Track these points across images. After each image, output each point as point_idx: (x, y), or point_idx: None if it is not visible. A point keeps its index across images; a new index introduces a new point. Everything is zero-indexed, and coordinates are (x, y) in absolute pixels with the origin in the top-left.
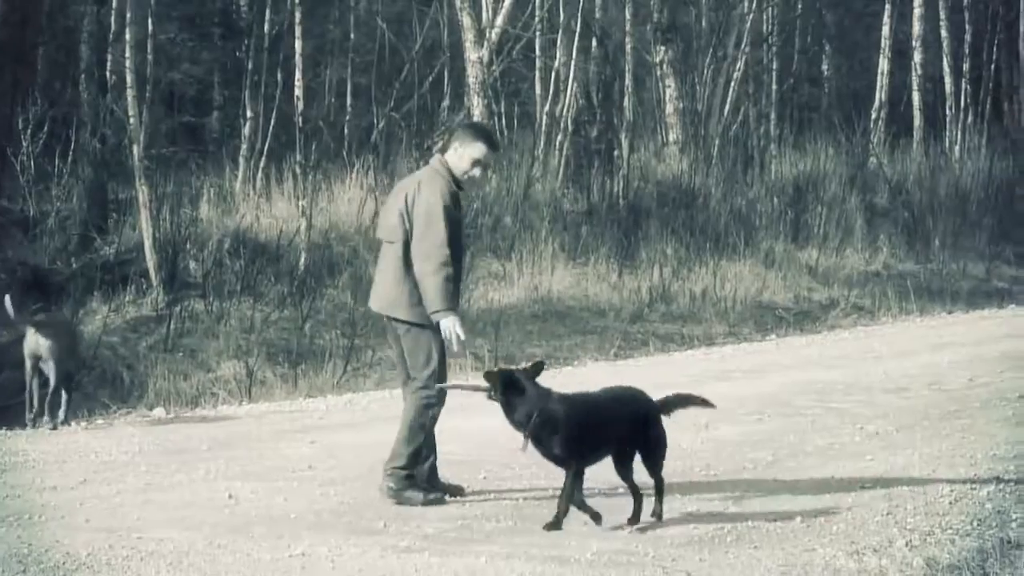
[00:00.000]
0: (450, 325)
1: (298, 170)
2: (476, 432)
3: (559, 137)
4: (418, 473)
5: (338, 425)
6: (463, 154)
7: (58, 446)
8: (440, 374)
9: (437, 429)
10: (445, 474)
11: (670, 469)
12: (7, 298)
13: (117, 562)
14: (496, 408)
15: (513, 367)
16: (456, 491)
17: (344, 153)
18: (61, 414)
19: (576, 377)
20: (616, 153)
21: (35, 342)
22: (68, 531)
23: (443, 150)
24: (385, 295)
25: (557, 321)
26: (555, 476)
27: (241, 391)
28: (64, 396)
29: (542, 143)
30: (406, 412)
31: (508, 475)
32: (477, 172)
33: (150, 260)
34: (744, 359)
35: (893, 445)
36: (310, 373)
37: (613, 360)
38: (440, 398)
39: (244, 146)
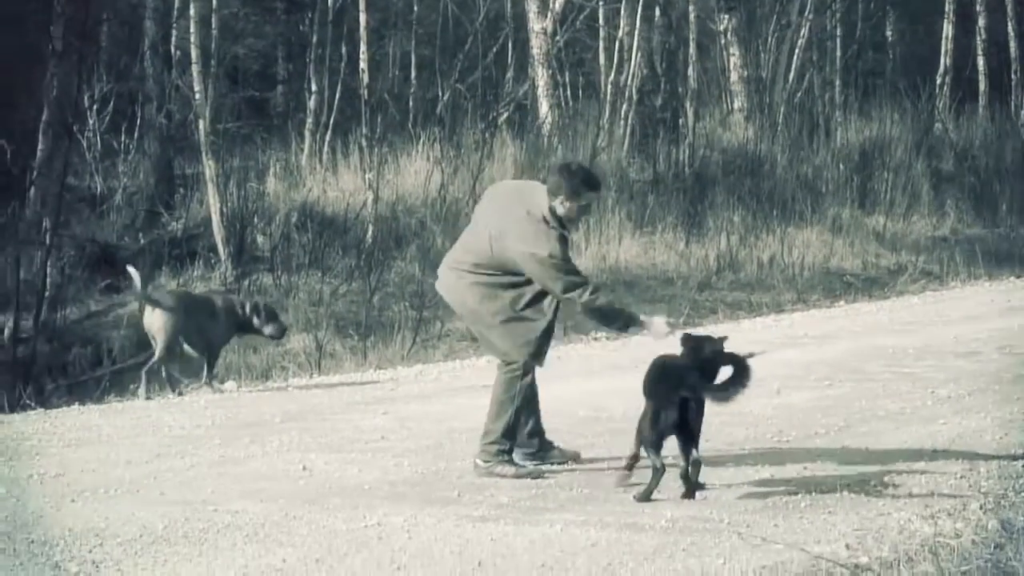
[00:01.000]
0: (658, 327)
1: (364, 143)
2: (549, 401)
3: (624, 107)
4: (521, 444)
5: (409, 396)
6: (571, 206)
7: (131, 420)
8: (539, 348)
9: None
10: None
11: (742, 436)
12: (132, 269)
13: (194, 535)
14: (569, 377)
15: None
16: (572, 457)
17: (409, 125)
18: (205, 378)
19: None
20: (681, 122)
21: (148, 318)
22: (144, 505)
23: (549, 194)
24: (467, 304)
25: (625, 290)
26: (625, 445)
27: (311, 364)
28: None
29: (607, 113)
30: (494, 388)
31: (581, 443)
32: (585, 213)
33: (218, 235)
34: (813, 325)
35: (965, 409)
36: (379, 345)
37: (682, 328)
38: (527, 369)
39: (309, 120)
